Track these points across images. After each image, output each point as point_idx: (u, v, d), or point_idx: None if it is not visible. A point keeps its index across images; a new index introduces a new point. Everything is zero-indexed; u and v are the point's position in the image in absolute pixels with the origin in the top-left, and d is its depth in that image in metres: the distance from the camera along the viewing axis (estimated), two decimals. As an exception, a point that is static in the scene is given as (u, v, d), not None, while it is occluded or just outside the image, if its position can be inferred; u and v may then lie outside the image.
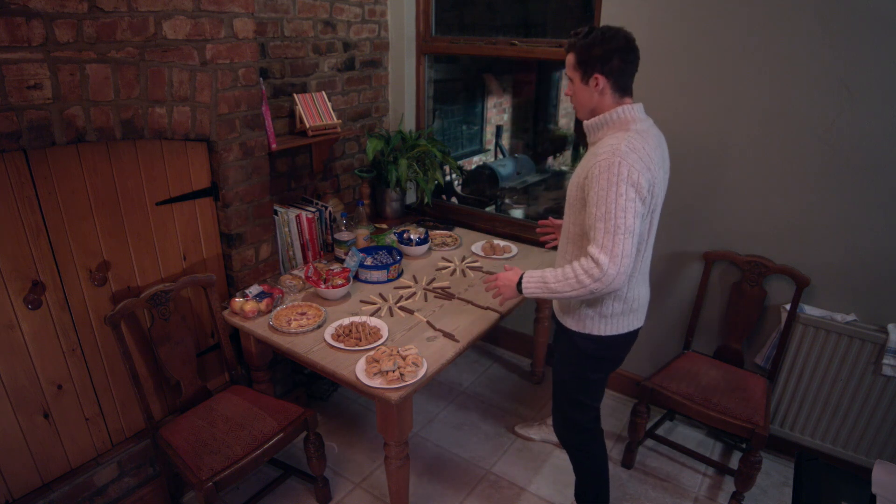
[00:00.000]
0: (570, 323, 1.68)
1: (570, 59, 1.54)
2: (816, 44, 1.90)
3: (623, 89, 1.53)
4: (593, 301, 1.61)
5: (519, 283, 1.61)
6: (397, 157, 2.84)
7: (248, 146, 2.08)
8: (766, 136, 2.07)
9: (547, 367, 2.92)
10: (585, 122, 1.59)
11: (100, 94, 1.58)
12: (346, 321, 2.00)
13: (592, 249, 1.43)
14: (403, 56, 2.96)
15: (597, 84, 1.50)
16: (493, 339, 3.20)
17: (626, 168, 1.40)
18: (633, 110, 1.53)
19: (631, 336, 1.70)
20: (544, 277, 1.54)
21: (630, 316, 1.65)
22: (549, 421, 2.43)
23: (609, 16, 2.26)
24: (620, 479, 2.28)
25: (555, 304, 1.77)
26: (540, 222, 2.03)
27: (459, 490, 2.21)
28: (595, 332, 1.64)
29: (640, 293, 1.66)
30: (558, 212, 3.96)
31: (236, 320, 2.06)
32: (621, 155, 1.41)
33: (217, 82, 1.90)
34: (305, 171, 2.68)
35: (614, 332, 1.64)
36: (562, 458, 2.37)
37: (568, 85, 1.60)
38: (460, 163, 4.27)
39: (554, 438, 2.41)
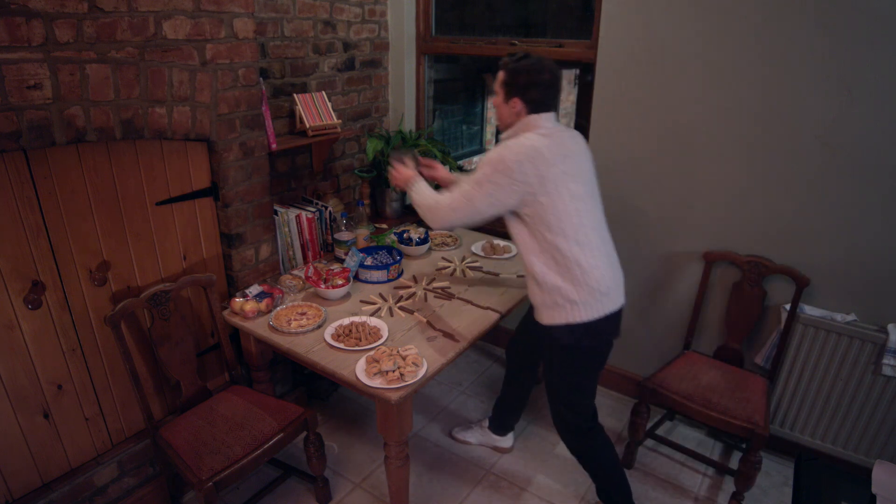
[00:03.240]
0: (546, 318, 1.71)
1: (500, 76, 1.69)
2: (816, 44, 1.90)
3: (538, 111, 1.67)
4: (559, 289, 1.65)
5: (409, 186, 1.88)
6: (397, 157, 2.84)
7: (248, 146, 2.08)
8: (767, 135, 2.07)
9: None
10: (502, 136, 1.75)
11: (100, 94, 1.58)
12: (346, 321, 2.00)
13: (454, 191, 1.67)
14: (403, 56, 2.96)
15: (514, 107, 1.67)
16: (493, 339, 3.20)
17: (511, 154, 1.56)
18: (539, 119, 1.66)
19: (605, 323, 1.68)
20: (420, 190, 1.83)
21: (602, 300, 1.65)
22: (486, 423, 2.41)
23: (609, 16, 2.26)
24: (620, 479, 2.28)
25: (534, 303, 1.76)
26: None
27: (459, 490, 2.21)
28: (568, 321, 1.66)
29: (604, 275, 1.65)
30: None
31: (236, 320, 2.06)
32: (510, 145, 1.58)
33: (217, 82, 1.90)
34: (305, 171, 2.68)
35: (584, 319, 1.65)
36: (561, 458, 2.37)
37: (495, 96, 1.75)
38: (460, 163, 4.27)
39: (491, 442, 2.40)
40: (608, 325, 1.71)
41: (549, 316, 1.71)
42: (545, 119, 1.67)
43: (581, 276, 1.62)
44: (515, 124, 1.71)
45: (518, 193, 1.57)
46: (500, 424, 2.37)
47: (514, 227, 1.70)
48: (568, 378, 1.80)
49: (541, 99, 1.64)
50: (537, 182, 1.55)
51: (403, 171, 1.95)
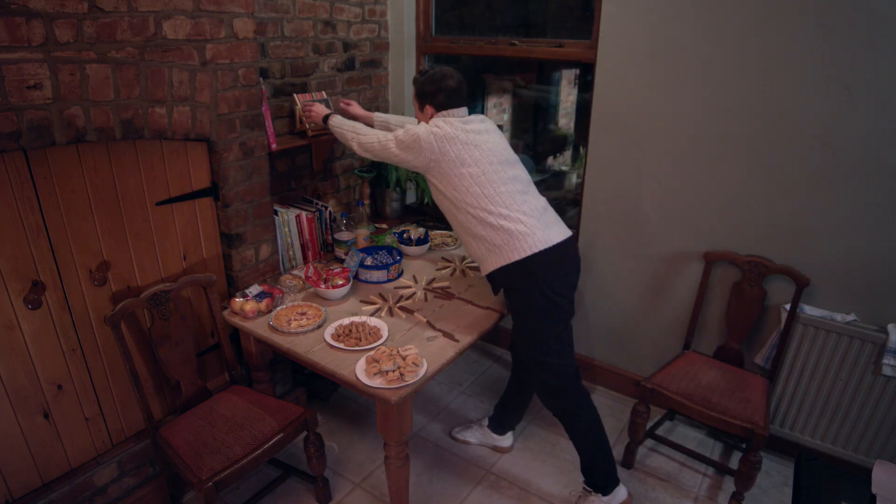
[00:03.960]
0: (484, 269, 1.92)
1: (414, 92, 2.03)
2: (816, 44, 1.90)
3: (447, 108, 1.96)
4: (484, 238, 1.86)
5: (326, 118, 2.23)
6: (397, 157, 2.84)
7: (248, 146, 2.08)
8: (767, 135, 2.07)
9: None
10: None
11: (100, 94, 1.58)
12: (346, 321, 2.00)
13: (393, 133, 1.95)
14: (403, 56, 2.96)
15: (428, 112, 1.98)
16: (493, 339, 3.20)
17: (414, 129, 1.89)
18: (447, 112, 1.95)
19: (536, 262, 1.81)
20: (345, 121, 2.15)
21: (524, 240, 1.81)
22: (485, 423, 2.43)
23: (609, 16, 2.26)
24: (621, 479, 2.27)
25: (475, 259, 1.97)
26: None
27: (460, 490, 2.21)
28: (499, 264, 1.85)
29: (519, 219, 1.83)
30: (559, 210, 3.93)
31: (236, 320, 2.06)
32: (424, 126, 1.90)
33: (217, 82, 1.90)
34: (305, 171, 2.68)
35: (510, 260, 1.82)
36: (561, 458, 2.37)
37: (415, 108, 2.07)
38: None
39: (490, 441, 2.41)
40: (541, 264, 1.81)
41: (486, 265, 1.90)
42: (453, 112, 1.96)
43: (495, 221, 1.83)
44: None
45: (423, 160, 1.88)
46: (501, 423, 2.37)
47: (437, 196, 1.97)
48: (529, 335, 1.90)
49: (447, 101, 1.94)
50: (439, 152, 1.85)
51: (319, 108, 2.32)
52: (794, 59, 1.95)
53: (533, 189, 1.96)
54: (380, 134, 2.01)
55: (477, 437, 2.43)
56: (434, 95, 1.94)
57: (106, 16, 1.56)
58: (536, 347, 1.90)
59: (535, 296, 1.83)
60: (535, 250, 1.80)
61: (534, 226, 1.83)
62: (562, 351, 1.91)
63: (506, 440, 2.40)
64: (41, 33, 1.43)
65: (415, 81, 2.01)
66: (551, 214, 1.95)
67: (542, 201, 1.95)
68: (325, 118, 2.22)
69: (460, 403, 2.72)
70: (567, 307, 1.89)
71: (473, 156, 1.85)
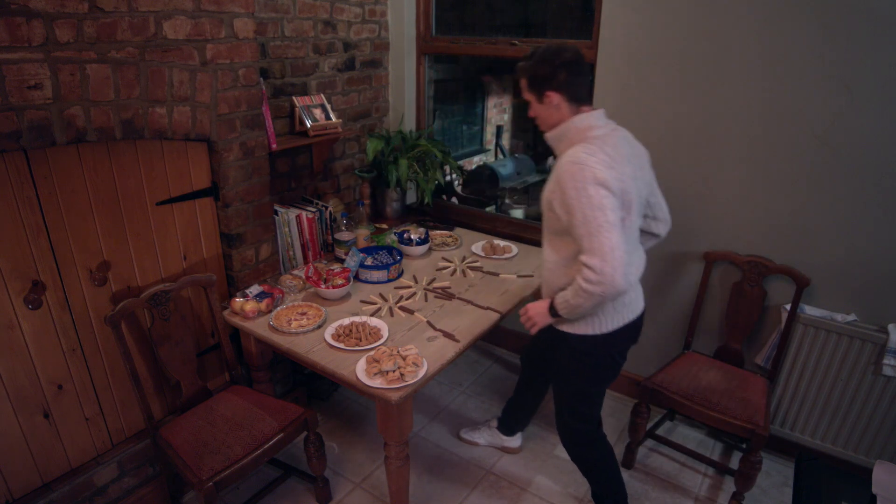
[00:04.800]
0: (567, 327, 1.69)
1: (523, 83, 1.62)
2: (816, 44, 1.90)
3: (578, 100, 1.57)
4: None
5: (551, 309, 1.64)
6: (397, 157, 2.84)
7: (248, 146, 2.08)
8: (767, 136, 2.07)
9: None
10: (547, 135, 1.64)
11: (100, 94, 1.58)
12: (346, 321, 2.00)
13: (583, 258, 1.46)
14: (403, 56, 2.96)
15: (551, 100, 1.56)
16: (493, 339, 3.20)
17: (589, 171, 1.43)
18: (589, 118, 1.56)
19: (623, 332, 1.67)
20: (565, 298, 1.56)
21: (622, 311, 1.65)
22: (494, 424, 2.42)
23: (609, 16, 2.26)
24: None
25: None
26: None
27: (460, 490, 2.21)
28: (589, 332, 1.66)
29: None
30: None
31: (236, 320, 2.06)
32: (581, 161, 1.45)
33: (217, 82, 1.90)
34: (306, 171, 2.68)
35: (606, 330, 1.65)
36: (562, 459, 2.37)
37: (530, 107, 1.66)
38: (460, 163, 4.27)
39: (499, 442, 2.40)
40: (626, 334, 1.70)
41: (569, 325, 1.68)
42: (595, 118, 1.57)
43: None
44: (561, 123, 1.59)
45: (618, 202, 1.47)
46: (510, 425, 2.36)
47: (561, 241, 1.60)
48: (578, 386, 1.80)
49: (572, 80, 1.53)
50: (620, 188, 1.46)
51: (537, 307, 1.71)
52: (795, 59, 1.95)
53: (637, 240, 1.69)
54: (585, 257, 1.46)
55: (485, 438, 2.42)
56: (552, 77, 1.52)
57: (106, 16, 1.56)
58: (580, 398, 1.82)
59: (604, 360, 1.72)
60: (629, 320, 1.65)
61: (634, 296, 1.66)
62: (600, 402, 1.87)
63: (515, 441, 2.39)
64: (41, 33, 1.43)
65: (521, 70, 1.60)
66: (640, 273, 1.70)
67: (643, 256, 1.71)
68: (552, 311, 1.65)
69: (460, 404, 2.72)
70: (621, 367, 1.80)
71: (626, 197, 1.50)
